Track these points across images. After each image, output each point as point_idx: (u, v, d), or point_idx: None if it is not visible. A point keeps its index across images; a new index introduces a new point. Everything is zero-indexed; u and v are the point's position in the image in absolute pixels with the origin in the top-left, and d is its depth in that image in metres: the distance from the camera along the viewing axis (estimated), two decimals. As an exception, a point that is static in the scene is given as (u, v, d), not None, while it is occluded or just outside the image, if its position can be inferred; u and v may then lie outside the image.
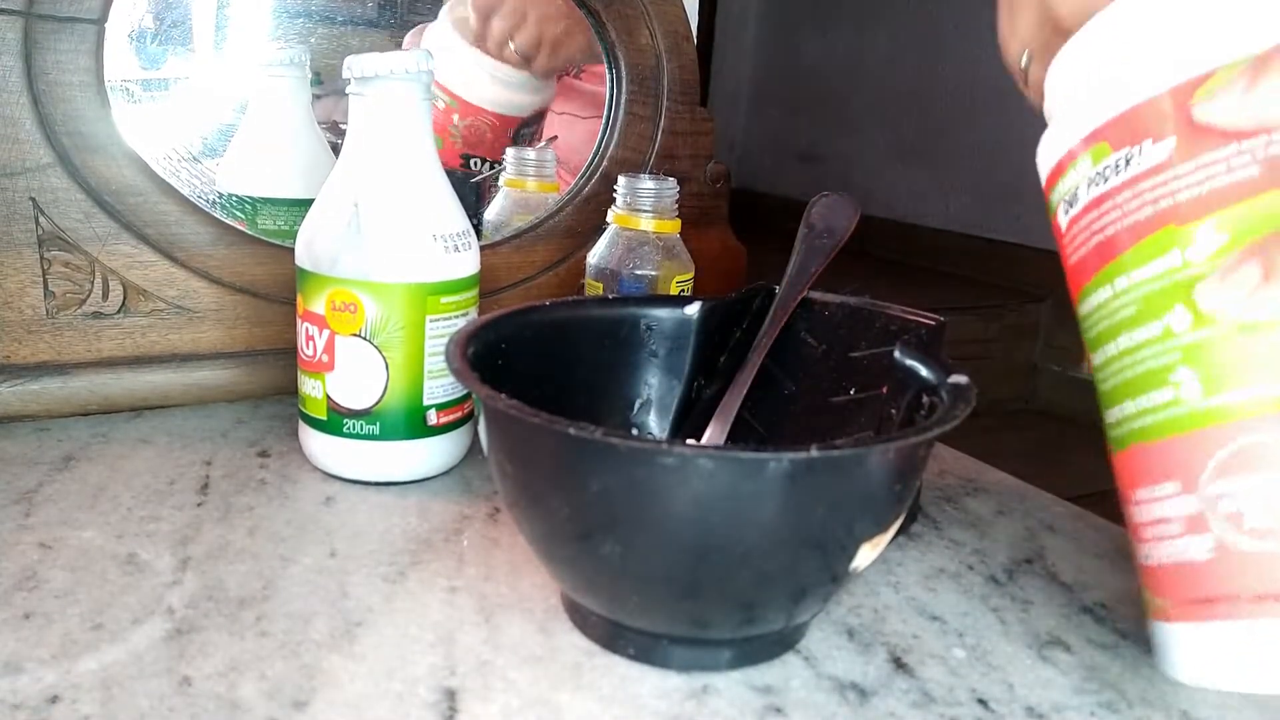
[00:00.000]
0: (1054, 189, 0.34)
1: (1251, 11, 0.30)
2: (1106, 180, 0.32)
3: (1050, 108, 0.36)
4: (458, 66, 0.69)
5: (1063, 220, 0.34)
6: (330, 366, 0.44)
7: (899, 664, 0.35)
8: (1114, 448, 0.33)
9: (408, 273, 0.43)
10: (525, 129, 0.72)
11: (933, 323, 0.40)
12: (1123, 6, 0.32)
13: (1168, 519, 0.30)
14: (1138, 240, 0.31)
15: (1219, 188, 0.29)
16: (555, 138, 0.74)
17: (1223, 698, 0.33)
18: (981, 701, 0.33)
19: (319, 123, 0.63)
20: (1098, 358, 0.33)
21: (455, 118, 0.69)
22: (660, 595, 0.32)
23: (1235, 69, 0.29)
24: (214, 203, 0.59)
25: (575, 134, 0.72)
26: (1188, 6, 0.31)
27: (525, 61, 0.69)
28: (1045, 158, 0.35)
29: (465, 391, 0.46)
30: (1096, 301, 0.33)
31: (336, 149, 0.61)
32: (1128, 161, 0.31)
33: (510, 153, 0.67)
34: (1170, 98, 0.30)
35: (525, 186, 0.66)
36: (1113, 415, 0.33)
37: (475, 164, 0.70)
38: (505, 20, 0.68)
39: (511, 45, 0.68)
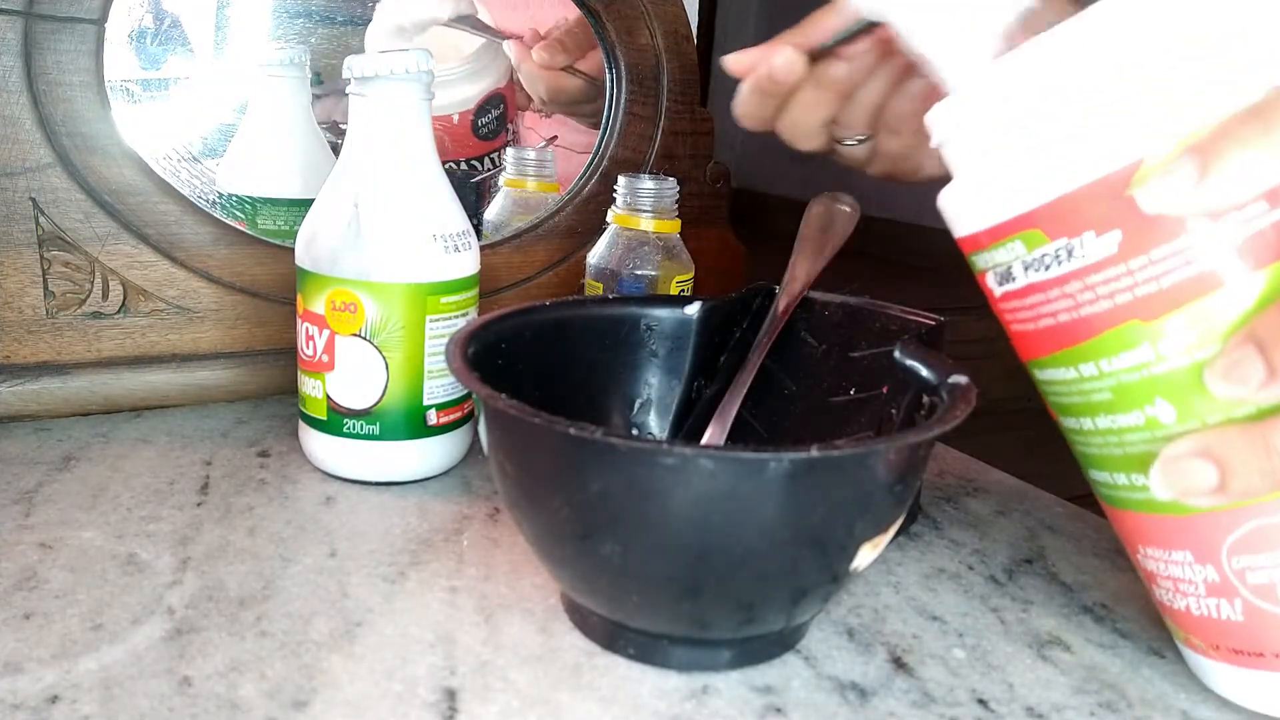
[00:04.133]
0: (978, 254, 0.32)
1: (1180, 92, 0.28)
2: (1048, 269, 0.30)
3: (945, 152, 0.33)
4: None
5: (995, 288, 0.32)
6: (330, 366, 0.44)
7: (899, 664, 0.35)
8: (1108, 504, 0.33)
9: (408, 273, 0.43)
10: (484, 117, 0.71)
11: (933, 323, 0.40)
12: (1028, 63, 0.30)
13: (1188, 580, 0.31)
14: (1098, 332, 0.29)
15: (1180, 281, 0.28)
16: (555, 138, 0.74)
17: (1224, 699, 0.33)
18: (981, 701, 0.33)
19: (319, 123, 0.63)
20: (1068, 422, 0.32)
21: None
22: (660, 595, 0.32)
23: (1173, 155, 0.27)
24: (214, 203, 0.59)
25: (569, 165, 0.71)
26: (1103, 79, 0.28)
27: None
28: (957, 217, 0.32)
29: (465, 391, 0.46)
30: (1058, 376, 0.31)
31: (336, 149, 0.61)
32: (1069, 254, 0.29)
33: (510, 153, 0.67)
34: (1104, 186, 0.28)
35: (525, 186, 0.66)
36: (1100, 477, 0.32)
37: (452, 168, 0.70)
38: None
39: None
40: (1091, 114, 0.28)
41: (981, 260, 0.32)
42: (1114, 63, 0.28)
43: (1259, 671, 0.31)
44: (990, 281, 0.32)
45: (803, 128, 0.45)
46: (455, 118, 0.70)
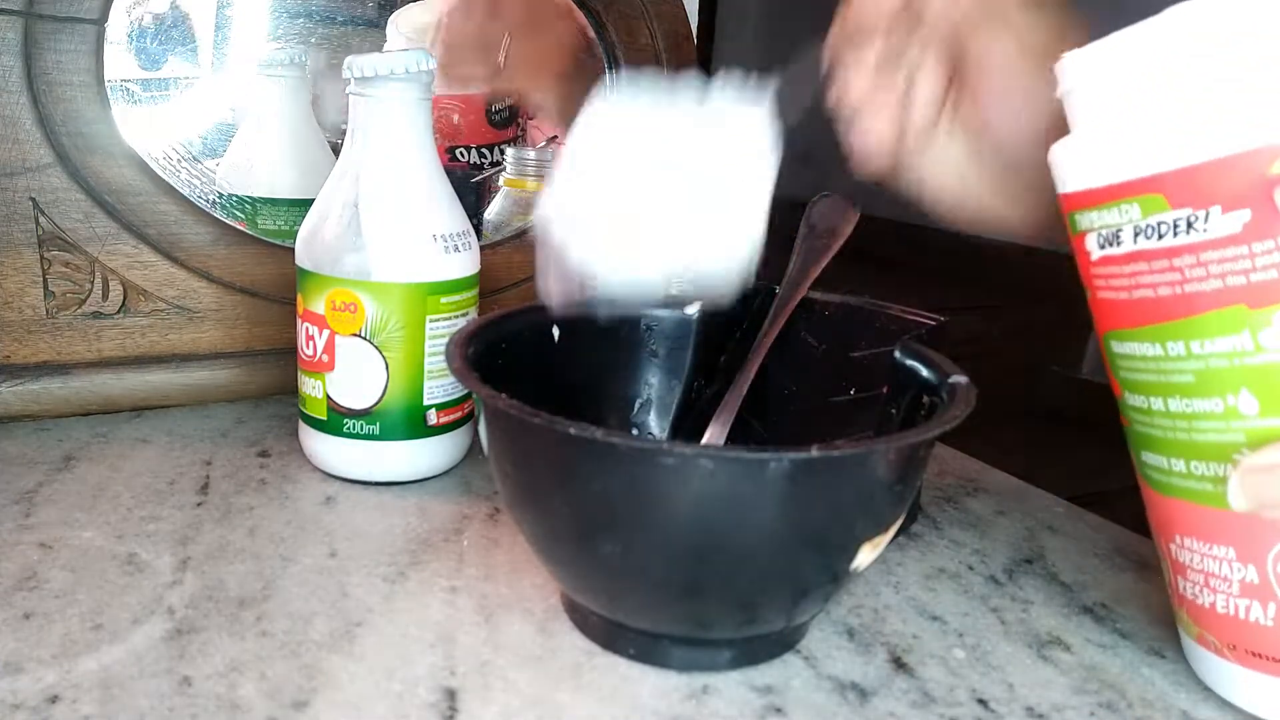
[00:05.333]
0: (1083, 212, 0.31)
1: None
2: (1161, 237, 0.29)
3: (1072, 102, 0.32)
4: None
5: (1094, 250, 0.31)
6: (330, 366, 0.44)
7: (899, 664, 0.35)
8: (1154, 489, 0.32)
9: (408, 273, 0.43)
10: (498, 104, 0.70)
11: (933, 323, 0.40)
12: (1186, 22, 0.28)
13: (1223, 576, 0.31)
14: (1199, 311, 0.28)
15: None
16: (555, 137, 0.74)
17: (1224, 700, 0.33)
18: (981, 701, 0.33)
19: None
20: (1134, 399, 0.32)
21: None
22: (660, 595, 0.32)
23: None
24: (214, 203, 0.59)
25: None
26: (1268, 50, 0.27)
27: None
28: (1070, 170, 0.31)
29: (465, 391, 0.46)
30: (1139, 351, 0.30)
31: (336, 149, 0.61)
32: (1189, 225, 0.28)
33: (510, 153, 0.67)
34: (1244, 161, 0.27)
35: (525, 186, 0.66)
36: (1154, 460, 0.32)
37: (461, 154, 0.70)
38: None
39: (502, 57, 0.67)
40: (1242, 85, 0.27)
41: (1085, 220, 0.31)
42: (1273, 36, 0.27)
43: (1273, 678, 0.30)
44: (1090, 243, 0.31)
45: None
46: (456, 117, 0.69)
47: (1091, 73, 0.31)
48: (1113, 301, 0.31)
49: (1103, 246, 0.31)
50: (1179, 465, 0.31)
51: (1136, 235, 0.29)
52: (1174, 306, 0.29)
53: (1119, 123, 0.30)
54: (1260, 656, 0.30)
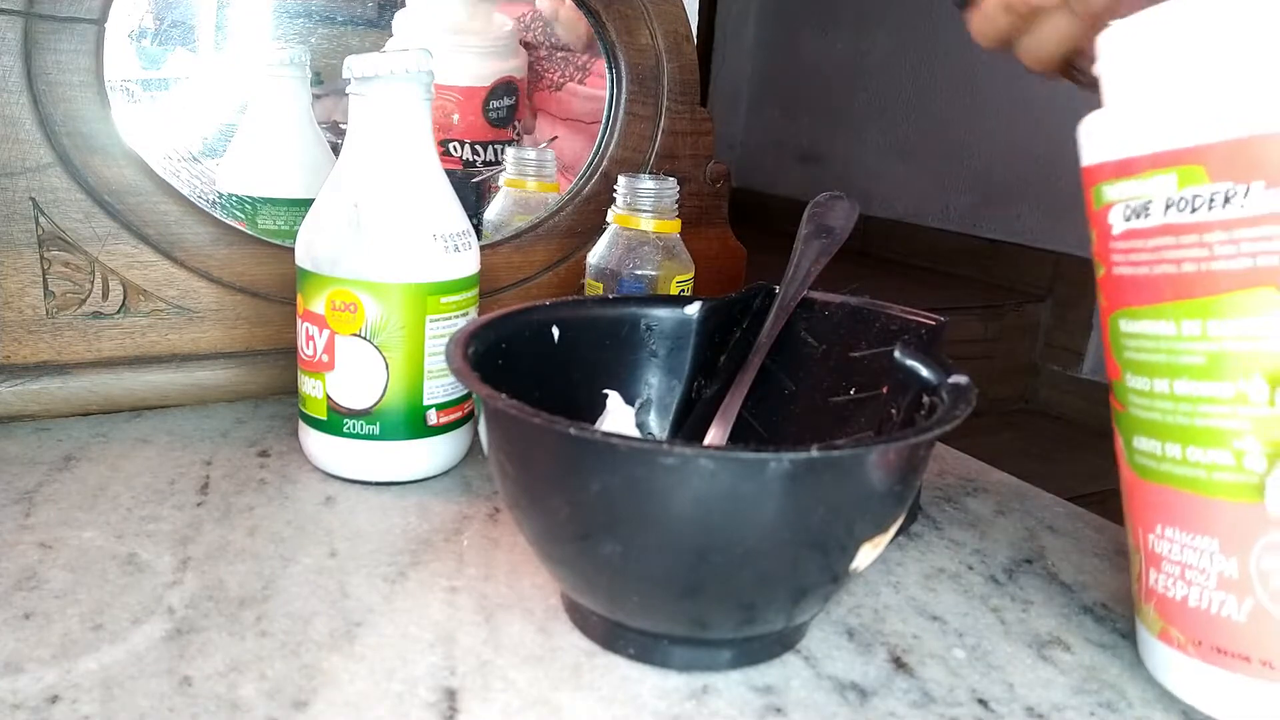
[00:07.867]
0: (1110, 184, 0.30)
1: None
2: (1194, 211, 0.28)
3: (1109, 77, 0.31)
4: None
5: (1118, 223, 0.30)
6: (330, 366, 0.44)
7: (899, 664, 0.35)
8: (1139, 474, 0.32)
9: (408, 273, 0.43)
10: (496, 103, 0.71)
11: (933, 323, 0.40)
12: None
13: (1200, 569, 0.30)
14: (1223, 290, 0.28)
15: None
16: (555, 138, 0.74)
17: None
18: (981, 701, 0.33)
19: (319, 123, 0.63)
20: (1136, 381, 0.31)
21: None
22: (660, 595, 0.32)
23: None
24: (214, 203, 0.59)
25: (579, 140, 0.72)
26: None
27: None
28: (1102, 141, 0.31)
29: (465, 391, 0.46)
30: (1149, 330, 0.30)
31: (336, 149, 0.61)
32: (1227, 199, 0.27)
33: (510, 152, 0.67)
34: None
35: (525, 186, 0.66)
36: (1147, 446, 0.31)
37: (455, 149, 0.70)
38: None
39: None
40: None
41: (1114, 191, 0.30)
42: None
43: (1236, 675, 0.30)
44: (1114, 216, 0.30)
45: (1045, 53, 0.42)
46: (464, 91, 0.70)
47: (1135, 44, 0.30)
48: (1130, 278, 0.30)
49: (1129, 219, 0.30)
50: (1174, 451, 0.30)
51: (1168, 208, 0.29)
52: (1196, 284, 0.28)
53: (1160, 92, 0.29)
54: (1224, 653, 0.30)
